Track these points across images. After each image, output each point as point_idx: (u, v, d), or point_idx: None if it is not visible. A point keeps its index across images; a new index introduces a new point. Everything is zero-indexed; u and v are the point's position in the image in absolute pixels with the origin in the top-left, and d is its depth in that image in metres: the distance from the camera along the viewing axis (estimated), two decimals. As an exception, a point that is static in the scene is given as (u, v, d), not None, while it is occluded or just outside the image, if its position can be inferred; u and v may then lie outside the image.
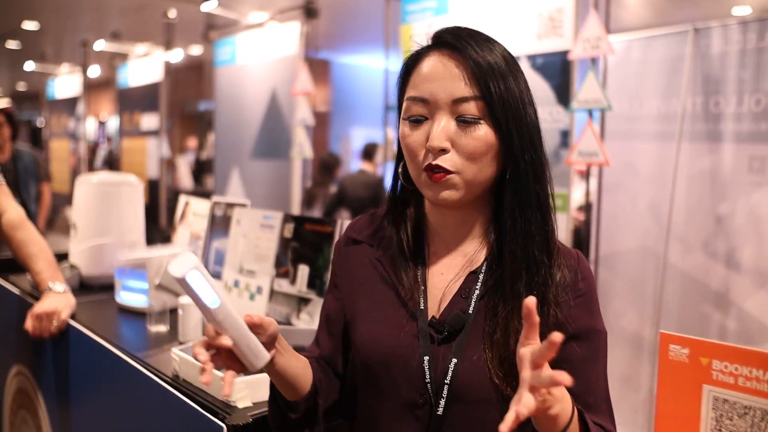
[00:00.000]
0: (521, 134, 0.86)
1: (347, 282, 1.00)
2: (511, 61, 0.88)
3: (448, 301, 0.90)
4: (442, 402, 0.86)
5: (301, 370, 0.92)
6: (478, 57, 0.84)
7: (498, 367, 0.84)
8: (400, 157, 0.95)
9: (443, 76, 0.85)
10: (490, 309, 0.87)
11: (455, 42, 0.86)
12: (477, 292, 0.89)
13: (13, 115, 4.41)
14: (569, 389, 0.84)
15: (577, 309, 0.88)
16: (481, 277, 0.90)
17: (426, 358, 0.87)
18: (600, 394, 0.89)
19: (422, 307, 0.90)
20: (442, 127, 0.84)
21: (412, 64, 0.90)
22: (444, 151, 0.84)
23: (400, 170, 0.95)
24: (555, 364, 0.80)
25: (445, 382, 0.86)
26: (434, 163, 0.84)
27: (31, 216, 4.16)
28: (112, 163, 9.61)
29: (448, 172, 0.84)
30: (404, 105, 0.90)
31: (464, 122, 0.85)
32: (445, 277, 0.92)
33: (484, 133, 0.84)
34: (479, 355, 0.85)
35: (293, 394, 0.92)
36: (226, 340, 0.78)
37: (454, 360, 0.86)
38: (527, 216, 0.87)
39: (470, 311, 0.88)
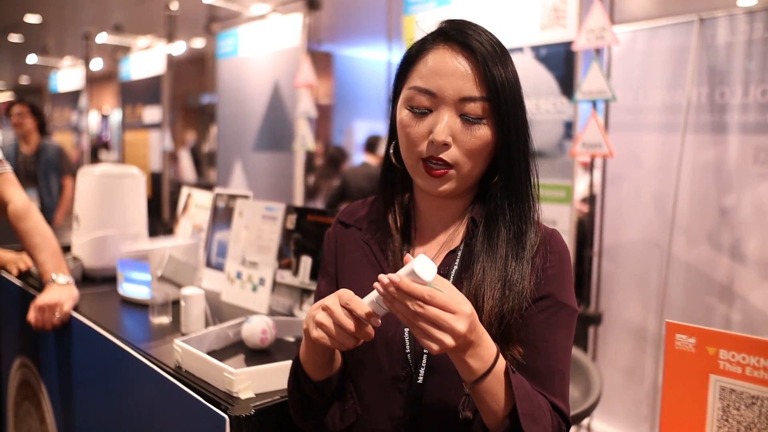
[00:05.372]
0: (518, 134, 0.90)
1: (336, 266, 1.04)
2: (510, 60, 0.90)
3: None
4: (422, 371, 0.90)
5: None
6: (488, 58, 0.86)
7: None
8: (392, 137, 0.98)
9: (453, 72, 0.87)
10: (465, 285, 0.90)
11: (465, 39, 0.87)
12: (456, 268, 0.93)
13: (38, 106, 4.46)
14: (522, 355, 0.88)
15: (544, 279, 0.90)
16: (459, 254, 0.94)
17: (406, 329, 0.92)
18: (554, 365, 0.89)
19: None
20: (446, 121, 0.87)
21: (416, 53, 0.91)
22: (446, 145, 0.87)
23: (391, 150, 0.98)
24: (515, 329, 0.87)
25: (424, 352, 0.91)
26: (437, 155, 0.87)
27: (48, 208, 4.23)
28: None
29: (448, 167, 0.88)
30: (407, 93, 0.90)
31: (467, 120, 0.87)
32: (427, 256, 0.94)
33: (484, 132, 0.88)
34: None
35: (327, 370, 0.94)
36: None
37: None
38: (513, 208, 0.91)
39: None
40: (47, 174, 4.34)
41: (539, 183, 0.94)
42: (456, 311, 0.74)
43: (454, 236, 0.96)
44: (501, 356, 0.82)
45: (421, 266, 0.74)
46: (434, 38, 0.90)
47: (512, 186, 0.91)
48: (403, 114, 0.90)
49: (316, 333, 0.82)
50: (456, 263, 0.93)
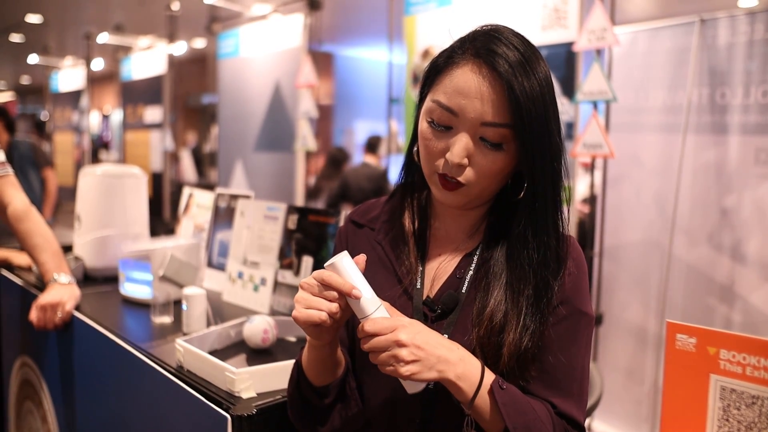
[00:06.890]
0: (544, 159, 0.86)
1: None
2: (546, 84, 0.86)
3: (443, 282, 0.93)
4: None
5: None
6: (515, 84, 0.82)
7: (480, 348, 0.86)
8: (415, 137, 0.95)
9: (476, 95, 0.83)
10: (481, 291, 0.89)
11: (492, 60, 0.83)
12: (471, 273, 0.92)
13: (3, 107, 4.46)
14: (543, 362, 0.87)
15: (563, 287, 0.89)
16: (475, 259, 0.93)
17: None
18: (573, 375, 0.89)
19: (418, 287, 0.94)
20: (464, 144, 0.85)
21: (444, 63, 0.88)
22: (461, 166, 0.86)
23: (415, 149, 0.95)
24: (531, 357, 0.86)
25: None
26: (451, 174, 0.86)
27: (34, 204, 4.23)
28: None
29: (460, 184, 0.87)
30: (430, 105, 0.88)
31: (486, 144, 0.85)
32: (442, 258, 0.96)
33: (503, 157, 0.86)
34: (468, 334, 0.88)
35: (330, 377, 0.94)
36: (356, 292, 0.81)
37: (445, 336, 0.88)
38: (537, 240, 0.88)
39: (463, 291, 0.91)
40: (24, 170, 4.32)
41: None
42: (395, 327, 0.79)
43: (470, 240, 0.95)
44: (488, 373, 0.83)
45: (329, 263, 0.83)
46: (463, 51, 0.86)
47: (536, 216, 0.88)
48: (423, 126, 0.89)
49: (295, 312, 0.82)
50: (471, 268, 0.92)
